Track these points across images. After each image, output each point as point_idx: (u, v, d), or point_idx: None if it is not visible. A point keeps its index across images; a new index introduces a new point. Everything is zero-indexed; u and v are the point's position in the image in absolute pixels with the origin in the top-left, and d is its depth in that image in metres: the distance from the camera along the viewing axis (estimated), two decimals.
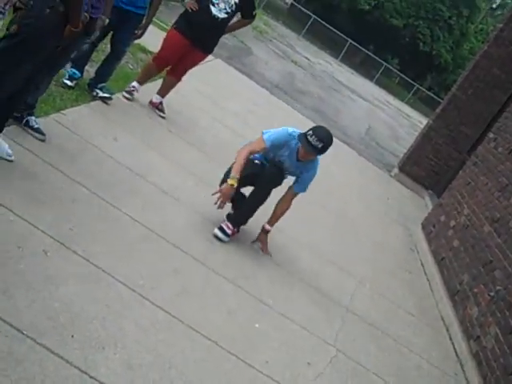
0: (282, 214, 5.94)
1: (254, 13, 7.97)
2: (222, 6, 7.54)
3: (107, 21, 5.75)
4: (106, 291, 3.86)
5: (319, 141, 5.46)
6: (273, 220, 5.93)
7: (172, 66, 7.94)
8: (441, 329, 6.92)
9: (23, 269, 3.57)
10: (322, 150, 5.56)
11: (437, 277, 8.06)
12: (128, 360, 3.41)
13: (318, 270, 6.41)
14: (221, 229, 5.61)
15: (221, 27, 7.74)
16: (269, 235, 5.96)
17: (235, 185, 5.44)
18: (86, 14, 4.82)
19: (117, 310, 3.76)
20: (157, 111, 7.80)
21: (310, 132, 5.49)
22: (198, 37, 7.64)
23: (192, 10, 7.60)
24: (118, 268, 4.17)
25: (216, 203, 5.46)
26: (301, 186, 5.88)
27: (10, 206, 4.05)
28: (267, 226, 5.93)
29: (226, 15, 7.61)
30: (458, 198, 9.08)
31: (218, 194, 5.46)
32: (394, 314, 6.52)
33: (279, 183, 5.83)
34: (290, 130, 5.71)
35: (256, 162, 5.86)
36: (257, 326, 4.62)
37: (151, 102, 7.88)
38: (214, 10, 7.55)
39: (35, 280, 3.54)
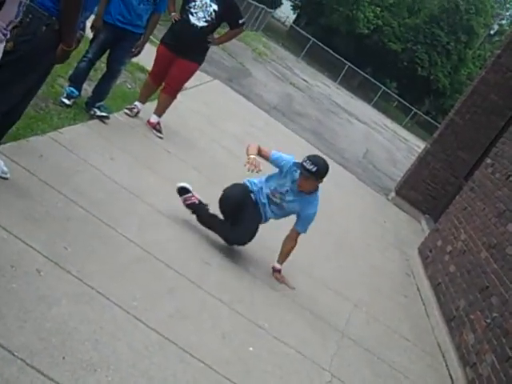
0: (289, 252, 6.17)
1: (240, 21, 8.02)
2: (200, 14, 7.65)
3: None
4: (99, 312, 3.81)
5: (313, 165, 5.71)
6: (281, 258, 6.15)
7: (164, 82, 7.98)
8: (437, 355, 6.87)
9: (16, 288, 3.52)
10: (317, 174, 5.75)
11: (433, 302, 8.01)
12: (120, 383, 3.36)
13: (314, 294, 6.37)
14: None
15: (201, 35, 7.79)
16: (266, 257, 5.92)
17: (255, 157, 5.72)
18: (81, 32, 4.81)
19: (110, 331, 3.71)
20: (154, 131, 7.80)
21: (305, 158, 5.77)
22: (179, 46, 7.75)
23: (175, 20, 7.72)
24: (112, 288, 4.12)
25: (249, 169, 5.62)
26: (302, 226, 6.09)
27: (4, 224, 4.01)
28: (277, 266, 6.13)
29: (205, 23, 7.72)
30: (455, 223, 9.05)
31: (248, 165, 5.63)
32: (389, 339, 6.47)
33: (249, 239, 5.95)
34: (296, 160, 5.89)
35: (252, 192, 6.04)
36: (251, 349, 4.57)
37: (149, 122, 7.89)
38: (192, 18, 7.69)
39: (27, 300, 3.50)
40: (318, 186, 5.99)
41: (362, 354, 5.70)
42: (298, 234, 6.08)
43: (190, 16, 7.67)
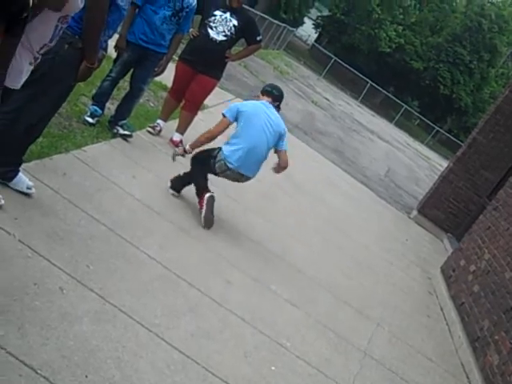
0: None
1: (258, 38, 8.09)
2: (220, 28, 7.71)
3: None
4: (121, 330, 3.82)
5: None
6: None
7: (184, 98, 8.02)
8: (460, 376, 6.78)
9: (39, 306, 3.54)
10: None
11: (456, 322, 7.92)
12: None
13: (336, 312, 6.33)
14: None
15: (220, 50, 7.85)
16: (289, 276, 5.88)
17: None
18: (103, 51, 4.86)
19: (132, 349, 3.71)
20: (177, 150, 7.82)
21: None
22: (199, 61, 7.80)
23: (194, 36, 7.77)
24: (134, 306, 4.13)
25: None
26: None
27: (28, 242, 4.04)
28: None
29: (224, 37, 7.77)
30: (479, 243, 8.97)
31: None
32: (412, 359, 6.40)
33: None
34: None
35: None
36: (273, 368, 4.54)
37: (171, 141, 7.93)
38: (211, 32, 7.74)
39: (50, 317, 3.51)
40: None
41: (384, 373, 5.65)
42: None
43: (210, 30, 7.74)
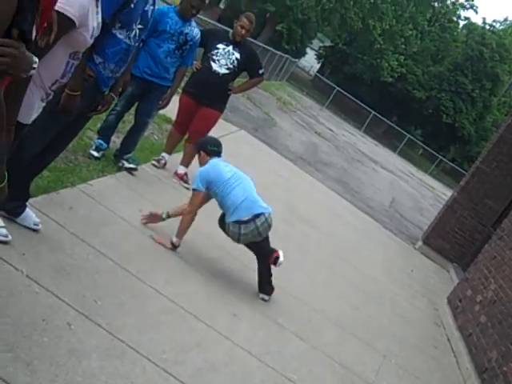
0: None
1: (260, 71, 8.21)
2: (222, 61, 7.82)
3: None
4: (129, 366, 3.82)
5: None
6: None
7: (188, 132, 8.08)
8: None
9: (47, 342, 3.55)
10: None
11: (464, 353, 7.88)
12: None
13: (343, 344, 6.31)
14: None
15: (223, 82, 7.95)
16: (295, 308, 5.87)
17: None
18: (112, 95, 4.92)
19: None
20: (182, 183, 7.88)
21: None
22: (201, 94, 7.89)
23: (196, 69, 7.85)
24: (142, 341, 4.13)
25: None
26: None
27: (36, 277, 4.06)
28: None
29: (227, 71, 7.88)
30: (485, 273, 8.96)
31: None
32: None
33: None
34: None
35: None
36: None
37: (176, 174, 7.97)
38: (214, 65, 7.85)
39: (59, 353, 3.52)
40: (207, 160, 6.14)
41: None
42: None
43: (212, 63, 7.83)
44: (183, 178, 7.95)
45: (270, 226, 5.99)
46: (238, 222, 5.80)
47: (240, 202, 5.84)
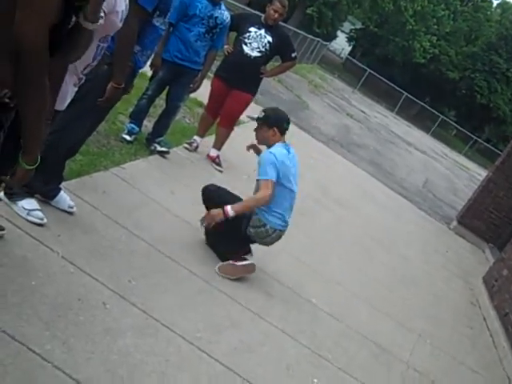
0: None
1: (293, 55, 8.17)
2: (254, 44, 7.78)
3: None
4: (164, 344, 3.85)
5: (262, 112, 5.63)
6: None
7: (220, 115, 8.11)
8: None
9: (82, 320, 3.59)
10: (263, 119, 5.56)
11: (500, 333, 7.81)
12: None
13: (377, 324, 6.30)
14: None
15: (255, 65, 7.91)
16: (328, 289, 5.85)
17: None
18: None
19: (175, 363, 3.74)
20: (214, 165, 7.89)
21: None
22: (233, 77, 7.88)
23: (228, 52, 7.83)
24: (176, 321, 4.16)
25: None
26: (258, 174, 5.49)
27: (71, 258, 4.10)
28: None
29: (259, 53, 7.84)
30: None
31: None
32: (455, 371, 6.34)
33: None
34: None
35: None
36: (315, 380, 4.53)
37: (209, 156, 7.99)
38: (246, 48, 7.82)
39: (94, 332, 3.56)
40: (278, 140, 5.56)
41: None
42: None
43: (244, 46, 7.80)
44: (215, 161, 7.96)
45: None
46: (274, 229, 5.43)
47: (285, 209, 5.49)
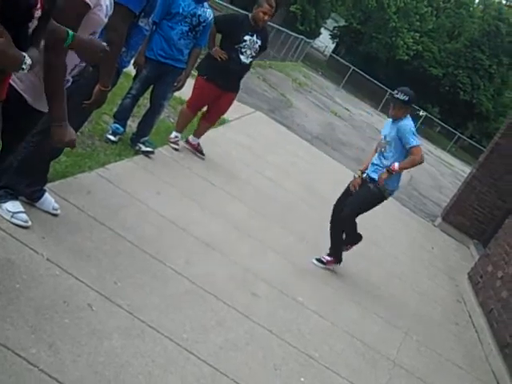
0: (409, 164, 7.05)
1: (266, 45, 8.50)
2: (248, 52, 8.00)
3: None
4: (150, 345, 3.84)
5: (401, 93, 6.79)
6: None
7: (208, 113, 8.33)
8: (491, 382, 6.73)
9: (68, 323, 3.58)
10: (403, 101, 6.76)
11: (485, 329, 7.86)
12: None
13: (364, 322, 6.31)
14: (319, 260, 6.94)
15: (247, 69, 8.32)
16: (313, 286, 5.87)
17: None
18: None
19: (162, 364, 3.73)
20: (197, 153, 8.02)
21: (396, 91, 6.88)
22: (229, 82, 8.07)
23: (221, 59, 7.84)
24: (163, 322, 4.15)
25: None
26: (407, 140, 6.76)
27: (56, 260, 4.09)
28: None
29: (252, 59, 8.11)
30: (506, 248, 8.90)
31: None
32: (442, 368, 6.37)
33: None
34: None
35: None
36: (302, 379, 4.54)
37: (189, 143, 8.17)
38: (242, 57, 7.99)
39: (80, 334, 3.55)
40: (407, 113, 6.82)
41: (414, 383, 5.63)
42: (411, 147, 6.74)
43: (241, 55, 7.93)
44: (198, 148, 8.16)
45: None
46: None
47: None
